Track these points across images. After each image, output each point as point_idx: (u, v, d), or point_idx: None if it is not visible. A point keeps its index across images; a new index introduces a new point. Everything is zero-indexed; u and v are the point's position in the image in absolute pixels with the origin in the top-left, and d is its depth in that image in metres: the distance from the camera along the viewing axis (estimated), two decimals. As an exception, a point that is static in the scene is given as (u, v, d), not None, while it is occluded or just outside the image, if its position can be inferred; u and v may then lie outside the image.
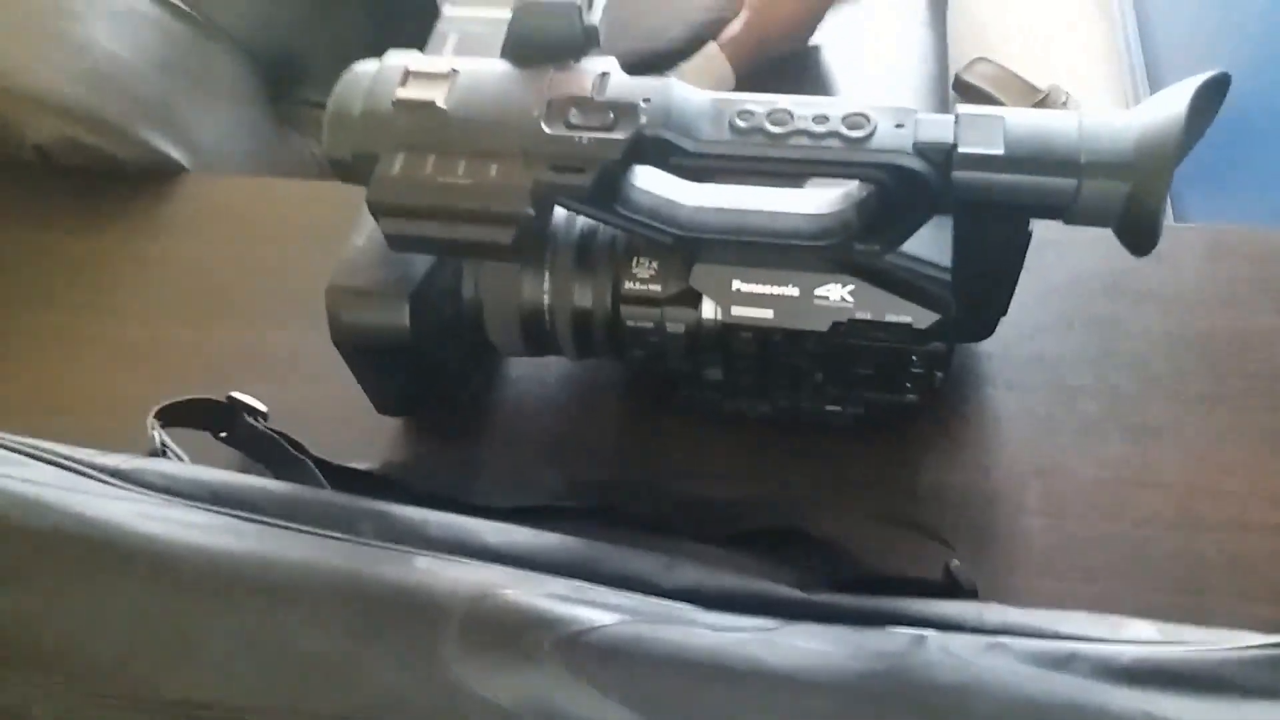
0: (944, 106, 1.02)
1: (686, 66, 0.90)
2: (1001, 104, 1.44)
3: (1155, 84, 1.39)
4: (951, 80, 1.47)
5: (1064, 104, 1.42)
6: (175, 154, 0.59)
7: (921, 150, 0.32)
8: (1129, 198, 0.32)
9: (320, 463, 0.42)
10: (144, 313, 0.53)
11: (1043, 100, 1.41)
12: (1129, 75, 1.46)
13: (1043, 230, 0.34)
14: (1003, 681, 0.29)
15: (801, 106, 0.34)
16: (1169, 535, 0.39)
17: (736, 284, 0.37)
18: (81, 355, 0.51)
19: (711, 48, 0.91)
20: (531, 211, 0.34)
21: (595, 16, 0.37)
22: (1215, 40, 1.17)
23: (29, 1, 0.58)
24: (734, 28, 0.91)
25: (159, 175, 0.58)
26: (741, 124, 0.34)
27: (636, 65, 0.90)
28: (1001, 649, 0.30)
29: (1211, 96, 0.32)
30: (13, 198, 0.57)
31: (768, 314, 0.37)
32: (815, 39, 0.98)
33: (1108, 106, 1.37)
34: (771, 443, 0.43)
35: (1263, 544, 0.39)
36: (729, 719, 0.29)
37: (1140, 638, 0.31)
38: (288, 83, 0.75)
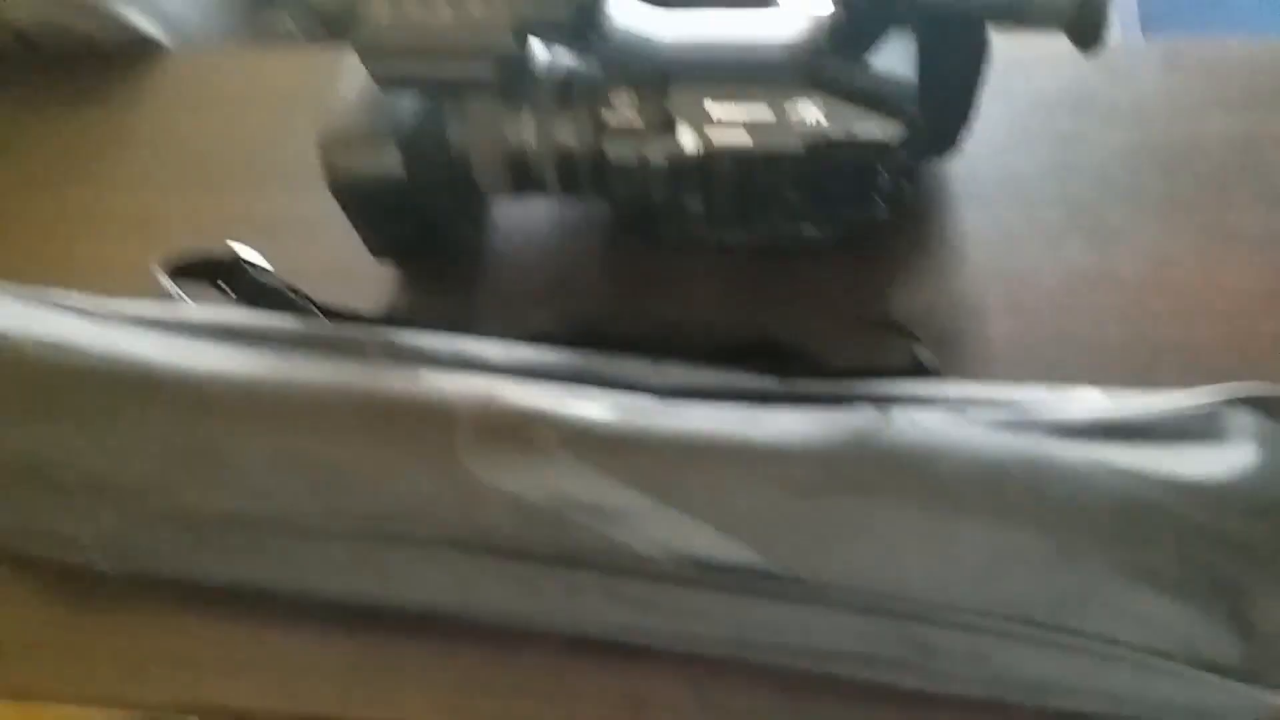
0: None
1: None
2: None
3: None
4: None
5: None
6: (153, 31, 0.59)
7: (881, -40, 0.34)
8: (1076, -4, 0.33)
9: (323, 309, 0.44)
10: (135, 186, 0.54)
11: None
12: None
13: (1008, 51, 0.36)
14: (964, 443, 0.32)
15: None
16: (1123, 327, 0.42)
17: (712, 108, 0.39)
18: (79, 230, 0.53)
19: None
20: (512, 44, 0.36)
21: None
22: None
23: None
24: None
25: (139, 55, 0.59)
26: (707, -54, 0.35)
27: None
28: (963, 417, 0.33)
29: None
30: (-3, 84, 0.58)
31: (745, 139, 0.39)
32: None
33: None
34: (751, 270, 0.45)
35: (1209, 329, 0.41)
36: (723, 489, 0.32)
37: (1090, 402, 0.34)
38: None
